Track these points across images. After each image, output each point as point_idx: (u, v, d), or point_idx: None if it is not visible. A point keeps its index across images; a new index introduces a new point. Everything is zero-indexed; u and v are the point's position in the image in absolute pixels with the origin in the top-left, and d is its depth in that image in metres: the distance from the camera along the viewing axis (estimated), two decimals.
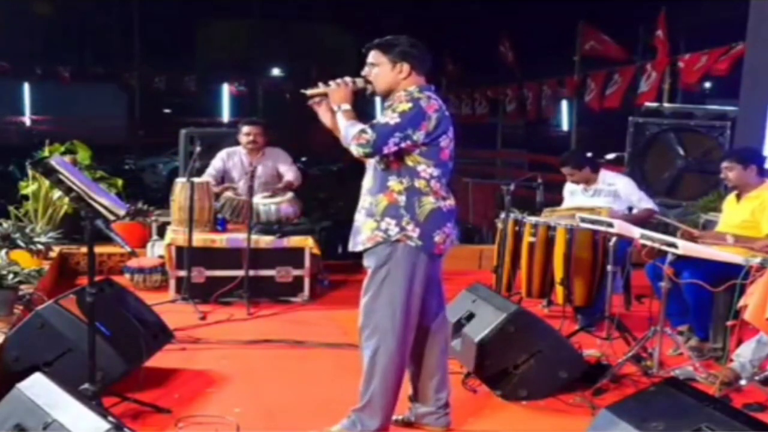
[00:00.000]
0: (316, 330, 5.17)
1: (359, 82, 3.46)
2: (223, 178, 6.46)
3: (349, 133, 3.31)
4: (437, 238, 3.40)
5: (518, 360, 4.03)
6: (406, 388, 3.64)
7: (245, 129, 6.37)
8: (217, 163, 6.47)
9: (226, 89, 22.75)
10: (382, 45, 3.45)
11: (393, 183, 3.36)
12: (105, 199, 3.36)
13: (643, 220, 5.53)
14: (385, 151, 3.29)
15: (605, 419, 2.80)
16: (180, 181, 6.12)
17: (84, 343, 3.44)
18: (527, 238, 5.50)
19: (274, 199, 6.15)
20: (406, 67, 3.40)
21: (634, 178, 6.33)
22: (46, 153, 6.80)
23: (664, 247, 4.29)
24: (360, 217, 3.47)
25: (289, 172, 6.39)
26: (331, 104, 3.46)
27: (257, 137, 6.33)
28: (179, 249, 5.92)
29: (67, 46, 19.60)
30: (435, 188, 3.39)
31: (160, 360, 4.24)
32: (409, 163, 3.35)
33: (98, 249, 3.98)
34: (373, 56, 3.45)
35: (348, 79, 3.46)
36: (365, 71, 3.47)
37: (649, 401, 2.81)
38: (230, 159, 6.46)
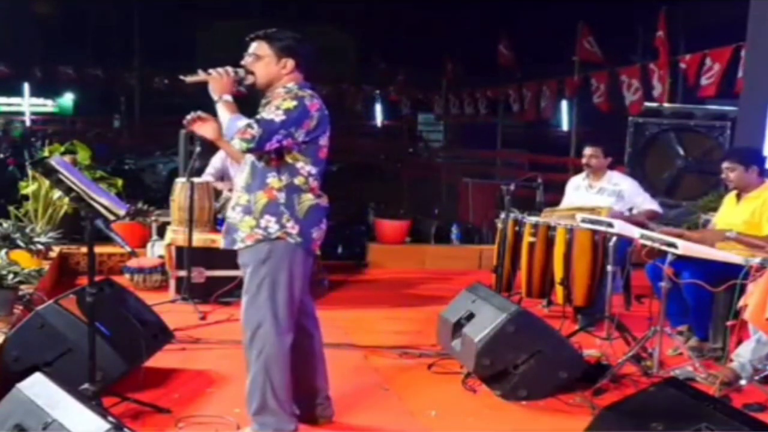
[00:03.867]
0: None
1: (241, 72, 3.38)
2: (223, 177, 6.46)
3: (234, 126, 3.22)
4: (315, 235, 3.40)
5: (518, 360, 4.03)
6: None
7: None
8: (216, 162, 6.48)
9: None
10: (269, 37, 3.37)
11: (272, 180, 3.32)
12: (105, 199, 3.36)
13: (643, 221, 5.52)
14: (267, 147, 3.23)
15: (605, 419, 2.80)
16: (180, 181, 6.12)
17: (84, 343, 3.44)
18: (527, 238, 5.51)
19: None
20: (290, 62, 3.35)
21: (634, 178, 6.34)
22: (46, 153, 6.80)
23: (664, 247, 4.29)
24: (235, 215, 3.41)
25: None
26: (211, 93, 3.35)
27: None
28: (179, 249, 5.92)
29: (67, 46, 19.57)
30: (312, 186, 3.37)
31: (160, 360, 4.24)
32: (289, 160, 3.31)
33: (98, 249, 3.99)
34: (258, 47, 3.37)
35: (230, 68, 3.36)
36: (246, 61, 3.40)
37: (649, 401, 2.81)
38: (229, 158, 6.46)
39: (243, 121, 3.22)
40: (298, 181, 3.34)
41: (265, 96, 3.40)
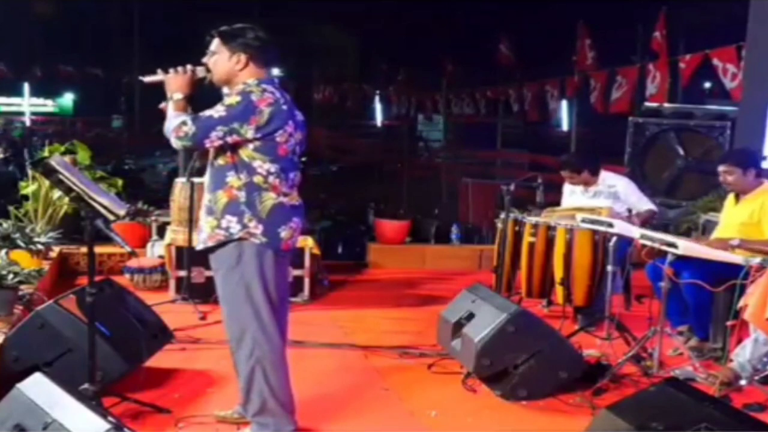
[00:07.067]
0: (316, 330, 5.17)
1: (200, 71, 3.38)
2: None
3: (171, 124, 3.26)
4: (283, 234, 3.35)
5: (518, 360, 4.03)
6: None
7: None
8: None
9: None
10: (223, 33, 3.38)
11: (231, 179, 3.30)
12: (105, 199, 3.36)
13: (644, 221, 5.52)
14: (207, 144, 3.24)
15: (605, 419, 2.80)
16: (180, 181, 6.12)
17: (84, 343, 3.44)
18: (527, 238, 5.51)
19: None
20: (243, 57, 3.33)
21: (634, 178, 6.33)
22: (46, 153, 6.80)
23: (664, 247, 4.29)
24: (201, 215, 3.43)
25: None
26: (167, 92, 3.35)
27: None
28: (179, 249, 5.92)
29: (67, 46, 19.58)
30: (274, 184, 3.31)
31: (160, 360, 4.24)
32: (245, 158, 3.27)
33: (98, 249, 3.98)
34: (214, 44, 3.38)
35: (189, 66, 3.38)
36: (206, 59, 3.40)
37: (649, 401, 2.81)
38: None
39: (179, 119, 3.23)
40: (256, 179, 3.29)
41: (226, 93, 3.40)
